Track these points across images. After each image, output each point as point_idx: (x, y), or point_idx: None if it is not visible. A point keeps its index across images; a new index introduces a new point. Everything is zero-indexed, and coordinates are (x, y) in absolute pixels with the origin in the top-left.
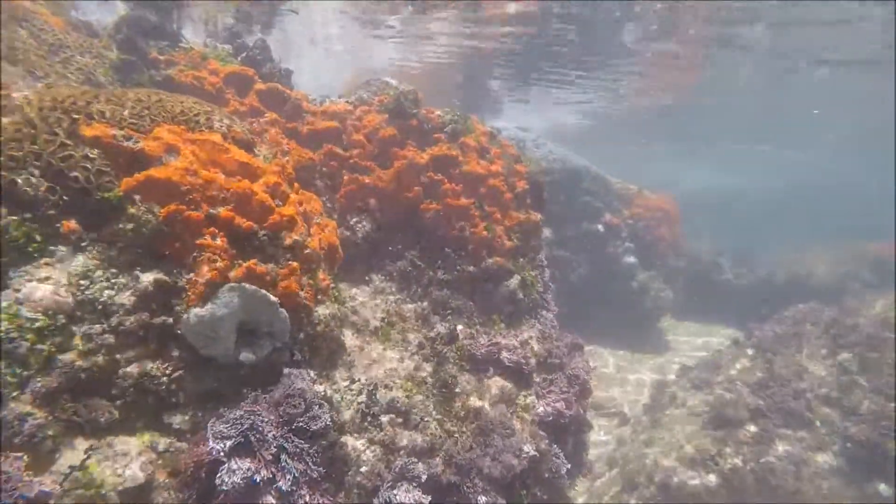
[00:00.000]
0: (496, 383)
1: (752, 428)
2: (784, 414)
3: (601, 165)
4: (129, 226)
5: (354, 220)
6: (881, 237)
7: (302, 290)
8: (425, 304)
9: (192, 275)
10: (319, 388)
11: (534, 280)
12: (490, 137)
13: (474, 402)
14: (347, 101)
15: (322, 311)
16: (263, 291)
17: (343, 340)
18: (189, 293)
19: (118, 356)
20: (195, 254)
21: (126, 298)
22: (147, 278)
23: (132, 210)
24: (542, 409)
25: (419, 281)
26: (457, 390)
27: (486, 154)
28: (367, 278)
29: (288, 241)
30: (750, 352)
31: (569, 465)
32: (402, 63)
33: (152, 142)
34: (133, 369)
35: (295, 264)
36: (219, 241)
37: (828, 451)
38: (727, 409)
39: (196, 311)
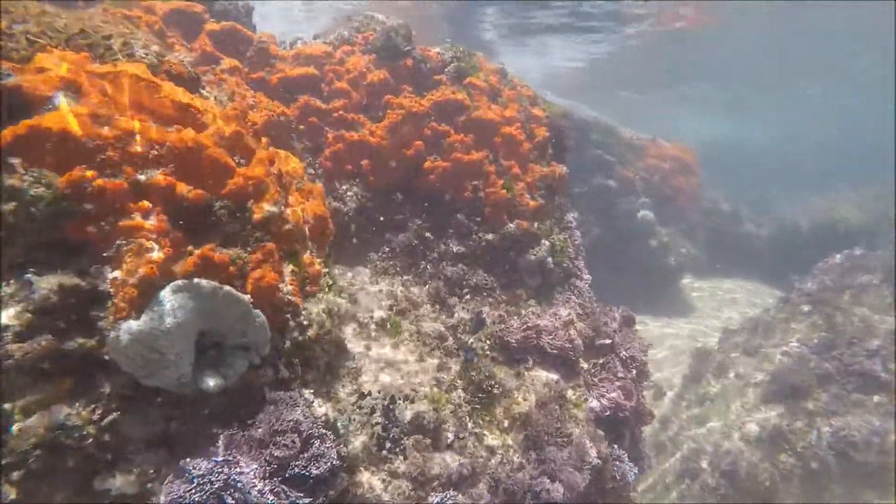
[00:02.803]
0: (539, 377)
1: (823, 396)
2: (857, 377)
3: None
4: (10, 206)
5: (344, 187)
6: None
7: (283, 281)
8: (439, 283)
9: (117, 273)
10: (320, 410)
11: (563, 244)
12: (501, 76)
13: (518, 404)
14: (325, 42)
15: (314, 307)
16: (228, 288)
17: (344, 341)
18: (116, 300)
19: (8, 406)
20: (120, 242)
21: (14, 317)
22: (47, 284)
23: (12, 181)
24: (596, 402)
25: (428, 256)
26: (495, 392)
27: (498, 97)
28: (364, 257)
29: (258, 215)
30: (805, 308)
31: (636, 470)
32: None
33: (34, 76)
34: (36, 422)
35: (270, 246)
36: (153, 221)
37: None
38: (791, 376)
39: (129, 325)
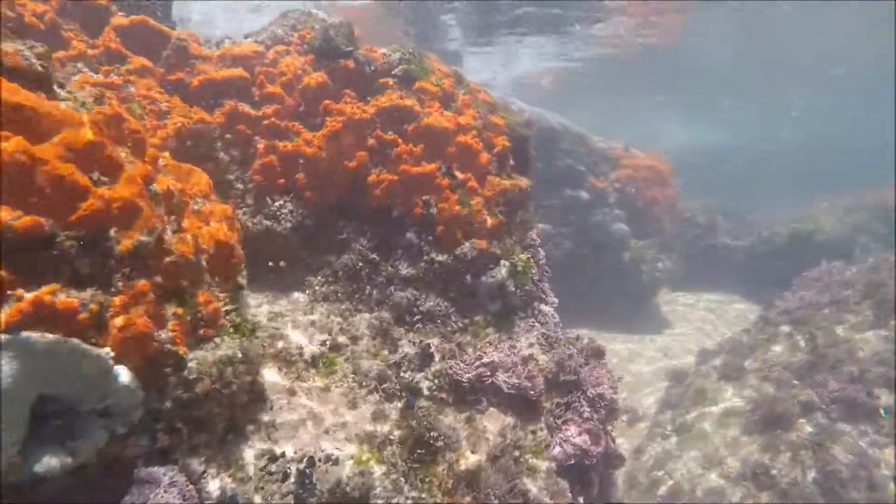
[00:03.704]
0: (493, 421)
1: (808, 426)
2: (842, 404)
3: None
4: None
5: (277, 203)
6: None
7: (164, 326)
8: (384, 312)
9: None
10: (211, 485)
11: (526, 265)
12: (456, 80)
13: (466, 459)
14: (256, 41)
15: (209, 354)
16: (74, 342)
17: (261, 387)
18: None
19: None
20: None
21: None
22: None
23: None
24: (558, 449)
25: (374, 280)
26: (439, 444)
27: (452, 102)
28: (302, 282)
29: (125, 246)
30: (785, 329)
31: None
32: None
33: None
34: None
35: (142, 284)
36: None
37: None
38: (774, 405)
39: None
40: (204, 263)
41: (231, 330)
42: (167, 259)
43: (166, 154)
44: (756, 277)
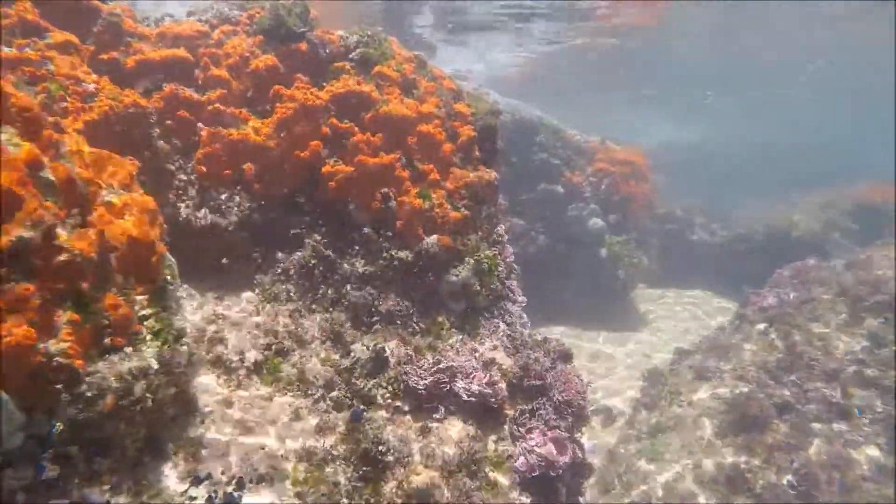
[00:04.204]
0: (450, 432)
1: (782, 427)
2: (817, 403)
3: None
4: None
5: (223, 196)
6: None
7: (54, 337)
8: (338, 313)
9: None
10: None
11: (493, 262)
12: (418, 65)
13: (418, 475)
14: (200, 20)
15: (110, 368)
16: None
17: (190, 399)
18: None
19: None
20: None
21: None
22: None
23: None
24: (522, 459)
25: (329, 278)
26: (388, 459)
27: (414, 89)
28: (251, 281)
29: (2, 241)
30: (761, 327)
31: None
32: None
33: None
34: None
35: (23, 288)
36: None
37: (872, 446)
38: (750, 406)
39: None
40: (113, 263)
41: (149, 337)
42: (59, 258)
43: (79, 139)
44: (733, 274)
